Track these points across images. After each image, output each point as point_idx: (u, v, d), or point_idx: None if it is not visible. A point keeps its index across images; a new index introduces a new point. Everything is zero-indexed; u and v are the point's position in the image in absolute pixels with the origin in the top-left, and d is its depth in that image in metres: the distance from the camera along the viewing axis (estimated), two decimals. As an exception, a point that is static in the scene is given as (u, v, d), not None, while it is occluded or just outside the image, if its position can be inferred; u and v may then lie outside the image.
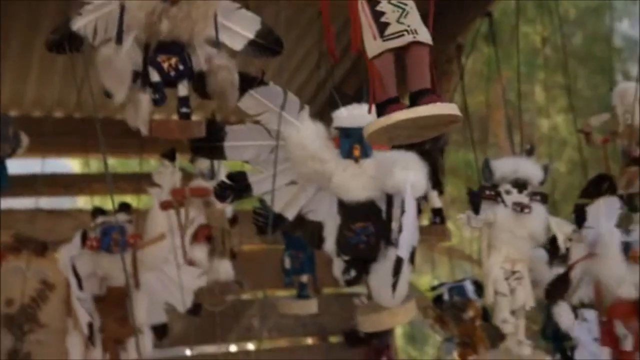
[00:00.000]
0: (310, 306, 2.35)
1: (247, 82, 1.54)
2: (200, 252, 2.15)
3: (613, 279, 1.73)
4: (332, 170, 1.54)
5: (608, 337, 1.76)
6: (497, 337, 1.84)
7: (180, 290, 2.28)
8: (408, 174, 1.52)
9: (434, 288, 1.86)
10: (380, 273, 1.50)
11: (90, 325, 1.96)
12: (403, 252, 1.47)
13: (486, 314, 2.01)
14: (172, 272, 2.26)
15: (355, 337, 2.82)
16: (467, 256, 5.18)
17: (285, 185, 1.61)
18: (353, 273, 1.57)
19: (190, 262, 2.13)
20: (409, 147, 1.94)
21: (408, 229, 1.48)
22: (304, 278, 2.31)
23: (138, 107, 1.43)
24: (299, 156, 1.56)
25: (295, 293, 2.34)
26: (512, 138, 2.31)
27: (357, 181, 1.54)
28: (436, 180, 2.03)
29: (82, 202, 4.10)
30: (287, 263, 2.28)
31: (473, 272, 4.53)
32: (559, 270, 1.79)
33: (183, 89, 1.46)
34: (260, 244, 3.08)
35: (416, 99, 1.38)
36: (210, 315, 2.53)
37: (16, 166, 2.03)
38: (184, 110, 1.46)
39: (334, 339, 3.29)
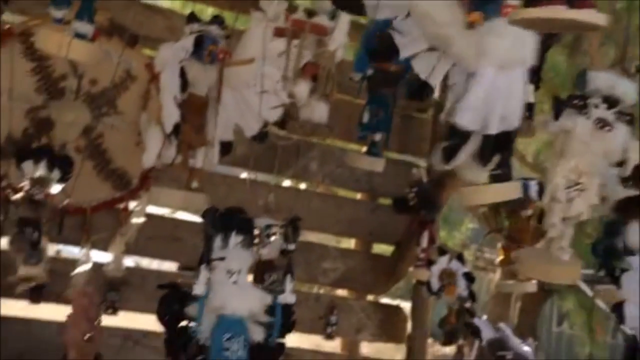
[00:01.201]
0: (377, 164, 2.40)
1: None
2: (303, 88, 2.17)
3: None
4: (452, 36, 1.52)
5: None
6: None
7: (253, 115, 2.32)
8: (497, 42, 1.51)
9: (497, 179, 1.88)
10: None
11: (177, 126, 2.04)
12: (461, 119, 1.49)
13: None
14: (249, 97, 2.29)
15: (404, 205, 2.88)
16: (520, 155, 5.17)
17: (426, 52, 1.61)
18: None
19: (291, 95, 2.16)
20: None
21: (475, 95, 1.49)
22: (378, 136, 2.35)
23: None
24: (419, 15, 1.55)
25: (366, 149, 2.39)
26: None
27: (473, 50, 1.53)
28: (535, 75, 1.99)
29: (177, 4, 4.10)
30: (366, 118, 2.31)
31: (521, 172, 4.52)
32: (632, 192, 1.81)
33: None
34: (340, 94, 3.09)
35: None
36: (273, 147, 2.59)
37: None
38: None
39: (382, 201, 3.37)
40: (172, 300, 1.80)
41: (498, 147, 1.57)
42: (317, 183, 3.24)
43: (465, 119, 1.53)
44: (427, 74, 1.68)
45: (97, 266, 2.75)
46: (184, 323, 1.79)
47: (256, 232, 2.29)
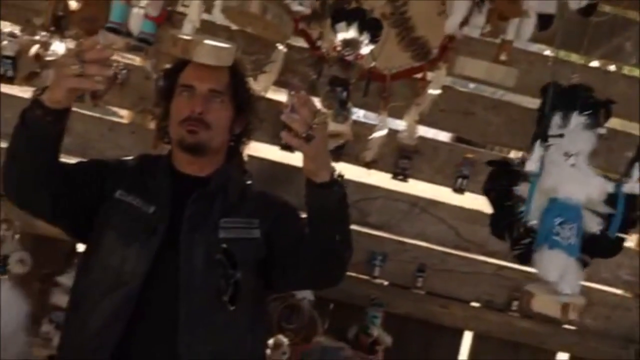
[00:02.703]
0: None
1: None
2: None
3: None
4: None
5: None
6: None
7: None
8: None
9: None
10: None
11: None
12: None
13: None
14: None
15: None
16: None
17: None
18: None
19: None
20: None
21: None
22: None
23: None
24: None
25: None
26: None
27: None
28: None
29: None
30: None
31: None
32: None
33: None
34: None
35: None
36: (583, 24, 2.38)
37: None
38: None
39: None
40: (502, 176, 1.76)
41: None
42: (630, 65, 2.94)
43: None
44: None
45: (392, 133, 2.86)
46: (510, 202, 1.72)
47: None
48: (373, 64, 2.24)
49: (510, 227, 1.71)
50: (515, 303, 2.99)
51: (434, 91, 2.79)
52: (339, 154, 2.80)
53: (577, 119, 1.67)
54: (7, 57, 2.64)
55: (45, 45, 2.52)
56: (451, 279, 3.00)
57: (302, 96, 1.81)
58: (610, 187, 1.66)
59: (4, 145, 2.08)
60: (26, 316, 1.22)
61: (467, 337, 3.15)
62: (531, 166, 1.67)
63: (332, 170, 1.93)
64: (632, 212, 1.68)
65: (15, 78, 2.68)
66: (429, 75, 2.81)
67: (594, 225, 1.67)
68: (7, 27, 2.73)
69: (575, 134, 1.66)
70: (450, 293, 3.02)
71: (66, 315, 2.17)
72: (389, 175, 2.96)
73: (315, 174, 1.90)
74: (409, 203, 3.00)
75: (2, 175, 2.00)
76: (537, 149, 1.67)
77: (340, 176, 1.97)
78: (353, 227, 2.98)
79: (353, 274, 2.96)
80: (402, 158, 2.91)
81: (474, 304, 3.07)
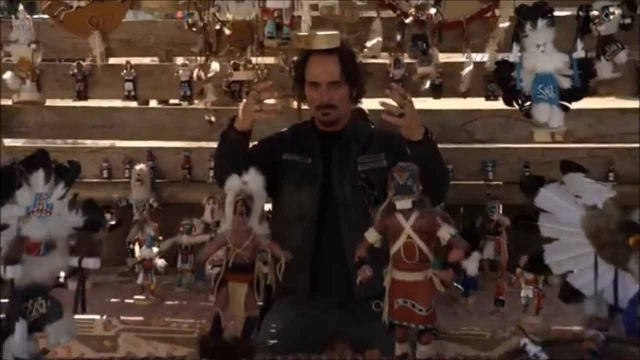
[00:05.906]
0: None
1: None
2: None
3: None
4: None
5: None
6: None
7: None
8: None
9: None
10: None
11: None
12: None
13: None
14: None
15: None
16: None
17: None
18: None
19: None
20: None
21: None
22: None
23: None
24: None
25: None
26: None
27: None
28: None
29: None
30: None
31: None
32: None
33: None
34: None
35: None
36: None
37: None
38: None
39: None
40: (503, 70, 2.51)
41: None
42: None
43: None
44: None
45: (478, 64, 3.54)
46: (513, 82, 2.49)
47: (595, 13, 2.80)
48: (441, 18, 2.94)
49: (516, 99, 2.47)
50: (611, 175, 3.63)
51: (503, 24, 3.43)
52: (439, 92, 3.54)
53: (541, 22, 2.38)
54: (183, 82, 3.66)
55: (205, 67, 3.47)
56: (553, 168, 3.58)
57: (394, 88, 2.60)
58: (567, 58, 2.42)
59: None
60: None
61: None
62: (512, 58, 2.48)
63: (423, 131, 2.66)
64: (588, 68, 2.47)
65: (192, 95, 3.70)
66: (497, 11, 3.45)
67: (565, 83, 2.42)
68: (180, 60, 3.74)
69: (541, 32, 2.38)
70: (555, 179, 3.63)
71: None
72: (482, 99, 3.65)
73: (410, 136, 2.66)
74: (504, 116, 3.69)
75: (215, 174, 2.91)
76: (514, 48, 2.43)
77: (430, 133, 2.69)
78: (464, 145, 3.75)
79: (473, 182, 3.71)
80: (490, 82, 3.58)
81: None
